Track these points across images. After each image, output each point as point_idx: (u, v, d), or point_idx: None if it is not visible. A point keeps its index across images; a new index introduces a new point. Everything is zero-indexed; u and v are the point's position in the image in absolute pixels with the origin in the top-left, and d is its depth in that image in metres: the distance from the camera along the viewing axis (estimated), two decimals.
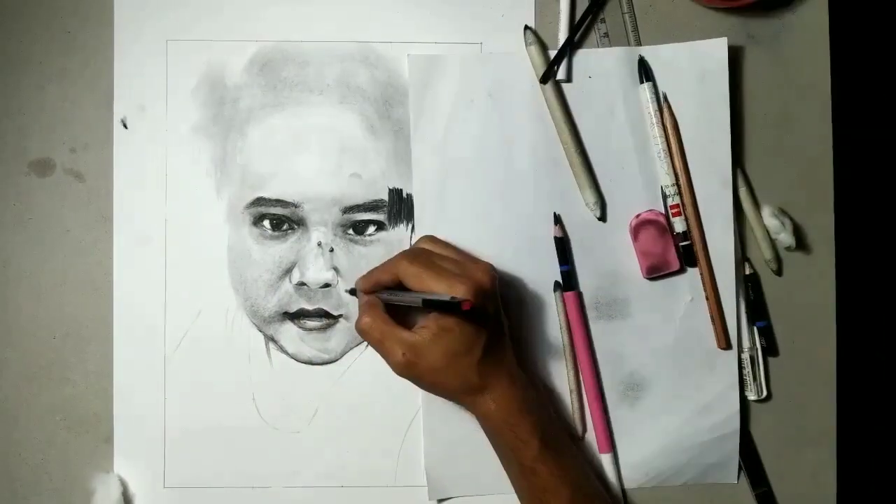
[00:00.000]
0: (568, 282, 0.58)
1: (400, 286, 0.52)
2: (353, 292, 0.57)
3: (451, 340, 0.50)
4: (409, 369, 0.51)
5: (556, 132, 0.58)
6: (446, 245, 0.56)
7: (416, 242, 0.57)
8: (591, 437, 0.59)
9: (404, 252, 0.54)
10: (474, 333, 0.50)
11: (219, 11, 0.58)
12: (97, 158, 0.58)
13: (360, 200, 0.58)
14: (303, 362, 0.59)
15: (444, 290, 0.49)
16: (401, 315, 0.52)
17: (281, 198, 0.58)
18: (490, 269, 0.53)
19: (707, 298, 0.59)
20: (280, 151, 0.58)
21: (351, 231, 0.59)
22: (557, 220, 0.59)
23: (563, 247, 0.58)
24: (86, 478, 0.58)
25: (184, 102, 0.58)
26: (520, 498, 0.55)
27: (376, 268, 0.54)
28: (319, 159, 0.58)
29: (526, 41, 0.58)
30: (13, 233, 0.58)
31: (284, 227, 0.58)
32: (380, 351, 0.51)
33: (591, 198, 0.58)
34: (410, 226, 0.59)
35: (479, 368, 0.51)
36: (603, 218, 0.59)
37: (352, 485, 0.58)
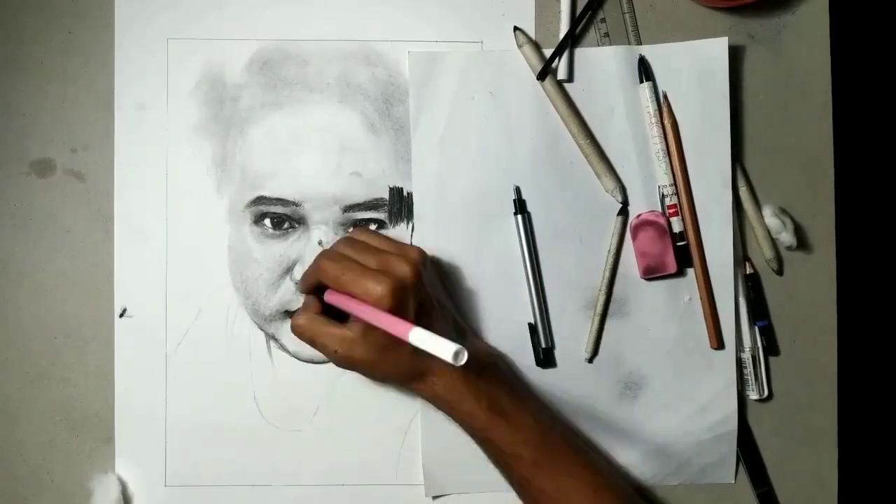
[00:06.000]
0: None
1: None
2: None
3: (378, 336, 0.50)
4: (345, 362, 0.51)
5: (561, 127, 0.58)
6: (373, 234, 0.55)
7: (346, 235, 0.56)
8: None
9: (326, 252, 0.53)
10: None
11: (219, 10, 0.58)
12: (97, 158, 0.58)
13: (360, 199, 0.58)
14: (304, 361, 0.59)
15: (362, 291, 0.49)
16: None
17: (281, 196, 0.58)
18: (415, 256, 0.51)
19: (701, 299, 0.59)
20: (280, 150, 0.58)
21: (352, 230, 0.58)
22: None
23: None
24: (87, 478, 0.58)
25: (184, 101, 0.58)
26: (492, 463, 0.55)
27: (309, 268, 0.54)
28: (320, 158, 0.58)
29: (517, 42, 0.58)
30: (13, 233, 0.58)
31: (285, 225, 0.58)
32: (316, 348, 0.52)
33: (610, 184, 0.58)
34: (411, 224, 0.59)
35: (414, 356, 0.51)
36: (626, 202, 0.59)
37: (352, 483, 0.58)
